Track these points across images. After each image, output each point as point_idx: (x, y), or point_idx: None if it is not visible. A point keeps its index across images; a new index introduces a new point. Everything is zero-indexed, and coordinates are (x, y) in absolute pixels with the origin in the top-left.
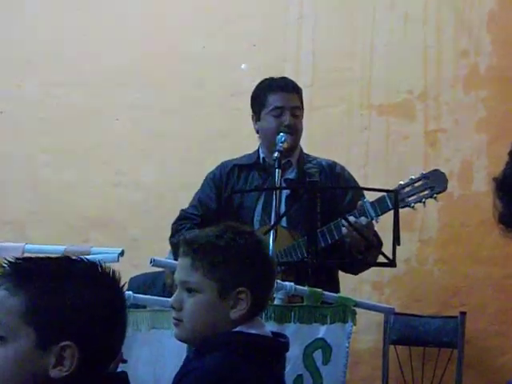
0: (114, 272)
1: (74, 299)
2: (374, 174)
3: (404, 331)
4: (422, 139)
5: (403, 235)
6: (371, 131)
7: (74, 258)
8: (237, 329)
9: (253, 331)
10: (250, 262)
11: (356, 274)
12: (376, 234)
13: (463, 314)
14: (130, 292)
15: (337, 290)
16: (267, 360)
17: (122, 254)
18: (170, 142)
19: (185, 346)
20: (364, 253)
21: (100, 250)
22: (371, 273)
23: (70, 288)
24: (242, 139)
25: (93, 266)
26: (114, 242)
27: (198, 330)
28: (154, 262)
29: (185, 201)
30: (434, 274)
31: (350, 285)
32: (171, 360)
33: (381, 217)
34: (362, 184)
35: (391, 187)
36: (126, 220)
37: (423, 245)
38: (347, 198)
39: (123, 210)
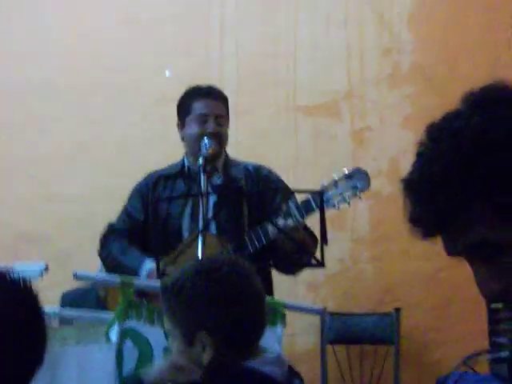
0: (26, 286)
1: None
2: (303, 176)
3: (341, 330)
4: (350, 138)
5: (335, 235)
6: (299, 133)
7: None
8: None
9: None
10: (210, 304)
11: (293, 274)
12: (309, 231)
13: (397, 310)
14: (56, 307)
15: (269, 293)
16: None
17: (46, 269)
18: (95, 152)
19: (113, 360)
20: (298, 253)
21: (22, 265)
22: (306, 274)
23: None
24: (169, 147)
25: (2, 276)
26: (44, 257)
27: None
28: (77, 276)
29: (115, 212)
30: (368, 272)
31: (284, 287)
32: (99, 374)
33: (313, 216)
34: (292, 186)
35: (316, 187)
36: (57, 234)
37: (355, 244)
38: (276, 201)
39: (52, 223)
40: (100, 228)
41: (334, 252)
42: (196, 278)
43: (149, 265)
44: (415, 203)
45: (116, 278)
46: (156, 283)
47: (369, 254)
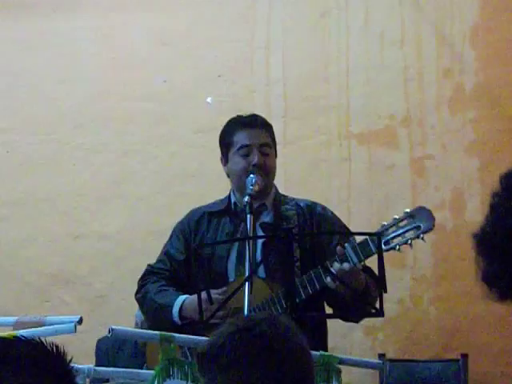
0: (57, 350)
1: None
2: (357, 209)
3: (402, 379)
4: (408, 168)
5: (394, 273)
6: (352, 162)
7: (13, 338)
8: None
9: None
10: (251, 365)
11: (355, 321)
12: (370, 272)
13: (465, 356)
14: (91, 366)
15: (323, 344)
16: None
17: (80, 321)
18: (133, 186)
19: None
20: (357, 300)
21: (55, 318)
22: None
23: (5, 374)
24: (212, 179)
25: (34, 346)
26: (77, 299)
27: None
28: (112, 332)
29: (154, 250)
30: (431, 313)
31: (339, 331)
32: None
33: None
34: (344, 221)
35: (377, 223)
36: (91, 275)
37: (417, 283)
38: (332, 243)
39: (86, 263)
40: (137, 267)
41: (393, 292)
42: (234, 339)
43: (182, 299)
44: (489, 261)
45: (155, 334)
46: (198, 339)
47: (432, 293)
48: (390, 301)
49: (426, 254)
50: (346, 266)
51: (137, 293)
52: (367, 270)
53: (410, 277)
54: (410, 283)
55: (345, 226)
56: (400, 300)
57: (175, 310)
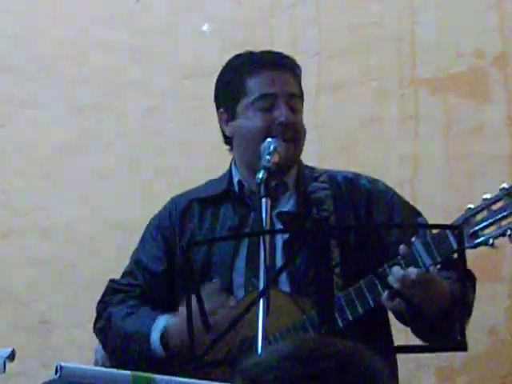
0: None
1: None
2: (427, 191)
3: None
4: (505, 129)
5: (483, 289)
6: (421, 120)
7: None
8: None
9: None
10: None
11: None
12: (460, 275)
13: None
14: None
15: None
16: None
17: (11, 356)
18: (87, 158)
19: None
20: (438, 321)
21: None
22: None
23: None
24: (208, 150)
25: None
26: (9, 326)
27: None
28: (61, 372)
29: (123, 255)
30: None
31: (403, 371)
32: None
33: None
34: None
35: (458, 209)
36: (29, 291)
37: None
38: (393, 235)
39: (22, 273)
40: (96, 280)
41: (480, 318)
42: (285, 368)
43: (163, 322)
44: None
45: (125, 375)
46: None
47: None
48: (478, 329)
49: None
50: (412, 272)
51: (96, 321)
52: (460, 274)
53: (508, 294)
54: (507, 304)
55: (407, 203)
56: (492, 329)
57: (155, 336)
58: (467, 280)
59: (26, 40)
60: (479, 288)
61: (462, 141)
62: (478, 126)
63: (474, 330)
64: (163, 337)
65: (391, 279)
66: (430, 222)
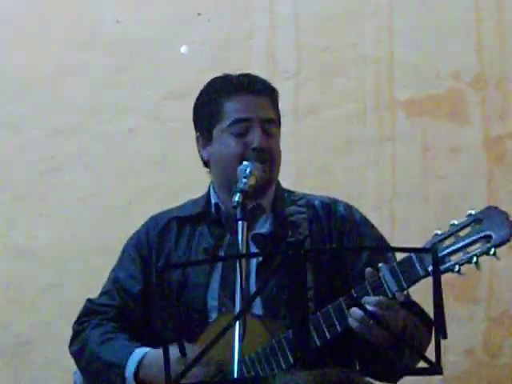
0: None
1: None
2: (403, 213)
3: None
4: (481, 151)
5: (459, 310)
6: (397, 142)
7: None
8: None
9: None
10: None
11: (392, 382)
12: (417, 310)
13: None
14: None
15: None
16: None
17: None
18: (67, 180)
19: None
20: (398, 350)
21: None
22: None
23: None
24: (188, 169)
25: None
26: None
27: None
28: None
29: (101, 274)
30: None
31: None
32: None
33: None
34: (386, 229)
35: (428, 237)
36: (6, 311)
37: (494, 324)
38: (360, 261)
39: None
40: (74, 300)
41: (458, 338)
42: None
43: (138, 354)
44: None
45: None
46: None
47: None
48: (454, 351)
49: (505, 281)
50: (380, 299)
51: (71, 343)
52: (411, 306)
53: (485, 316)
54: (485, 325)
55: (380, 236)
56: (470, 350)
57: (129, 371)
58: (425, 316)
59: (2, 63)
60: (457, 309)
61: (439, 162)
62: (456, 148)
63: (452, 351)
64: (138, 371)
65: (363, 302)
66: (408, 243)
